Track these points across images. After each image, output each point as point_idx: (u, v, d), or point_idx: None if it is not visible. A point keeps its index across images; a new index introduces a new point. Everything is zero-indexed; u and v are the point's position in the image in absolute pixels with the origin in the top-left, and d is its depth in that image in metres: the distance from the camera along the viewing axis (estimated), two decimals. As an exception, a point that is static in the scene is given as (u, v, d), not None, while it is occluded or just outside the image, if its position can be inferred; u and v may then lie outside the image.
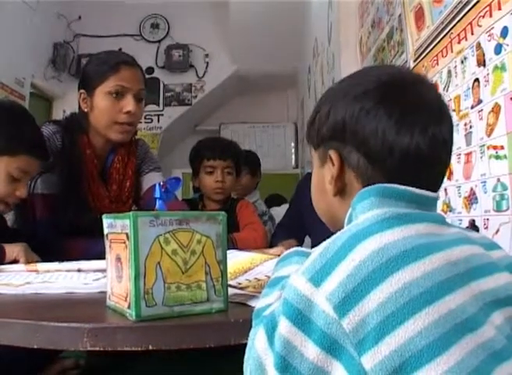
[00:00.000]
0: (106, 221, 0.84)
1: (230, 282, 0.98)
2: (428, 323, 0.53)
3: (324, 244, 0.62)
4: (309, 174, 2.14)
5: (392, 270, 0.55)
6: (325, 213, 0.86)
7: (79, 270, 1.30)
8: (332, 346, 0.55)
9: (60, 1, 6.05)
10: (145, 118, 6.43)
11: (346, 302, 0.54)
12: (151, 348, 0.72)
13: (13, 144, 1.42)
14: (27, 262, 1.35)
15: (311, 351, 0.56)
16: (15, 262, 1.35)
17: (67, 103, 5.66)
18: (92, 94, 1.76)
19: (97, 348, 0.73)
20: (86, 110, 1.78)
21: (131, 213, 0.73)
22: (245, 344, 0.67)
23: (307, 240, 2.25)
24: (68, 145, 1.75)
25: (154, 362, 1.87)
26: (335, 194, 0.78)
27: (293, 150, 7.16)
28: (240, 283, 0.97)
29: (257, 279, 1.01)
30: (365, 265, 0.56)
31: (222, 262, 0.81)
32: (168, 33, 6.61)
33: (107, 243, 0.85)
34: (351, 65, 3.00)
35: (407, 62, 2.06)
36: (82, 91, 1.79)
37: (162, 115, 6.50)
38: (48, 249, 1.56)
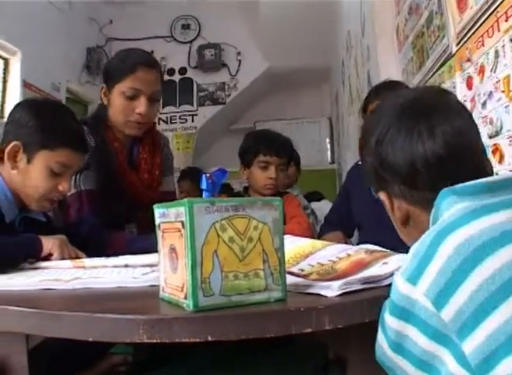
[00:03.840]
0: (158, 211, 0.82)
1: (292, 268, 0.95)
2: None
3: (415, 244, 0.67)
4: (357, 164, 2.09)
5: (480, 259, 0.57)
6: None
7: (126, 266, 1.29)
8: (435, 334, 0.60)
9: (91, 7, 6.14)
10: (179, 118, 6.47)
11: (441, 296, 0.59)
12: (209, 338, 0.70)
13: (51, 138, 1.40)
14: (62, 256, 1.34)
15: (420, 339, 0.62)
16: (50, 255, 1.34)
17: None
18: (111, 91, 1.81)
19: (154, 340, 0.71)
20: (105, 103, 1.85)
21: (186, 200, 0.70)
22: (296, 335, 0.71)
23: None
24: (99, 142, 1.81)
25: (201, 357, 1.85)
26: (402, 224, 0.84)
27: (328, 145, 7.11)
28: (302, 270, 0.93)
29: (321, 263, 0.97)
30: (453, 259, 0.59)
31: (280, 249, 0.77)
32: (199, 33, 6.65)
33: (159, 233, 0.82)
34: (388, 54, 2.95)
35: (448, 46, 2.00)
36: (103, 85, 1.84)
37: (197, 115, 6.53)
38: (92, 245, 1.56)
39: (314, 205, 3.47)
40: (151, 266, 1.27)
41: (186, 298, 0.72)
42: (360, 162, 2.06)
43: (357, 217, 1.99)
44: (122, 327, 0.73)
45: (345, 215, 2.04)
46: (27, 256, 1.27)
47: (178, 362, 1.82)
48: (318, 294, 0.80)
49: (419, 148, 0.77)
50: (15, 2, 4.60)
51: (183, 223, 0.71)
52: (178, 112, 6.50)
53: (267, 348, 1.80)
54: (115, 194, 1.81)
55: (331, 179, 6.45)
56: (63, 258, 1.34)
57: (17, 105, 1.47)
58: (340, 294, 0.79)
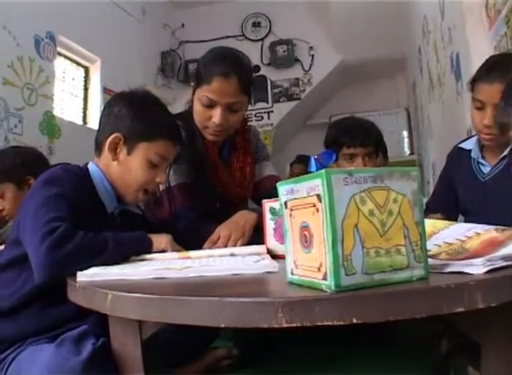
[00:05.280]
0: (284, 188, 0.77)
1: None
2: None
3: None
4: (456, 147, 1.98)
5: None
6: None
7: (232, 255, 1.26)
8: None
9: (163, 12, 6.28)
10: (255, 116, 6.46)
11: None
12: (355, 321, 0.64)
13: (151, 129, 1.40)
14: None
15: None
16: (161, 252, 1.33)
17: (178, 109, 5.77)
18: (194, 93, 1.81)
19: (294, 324, 0.66)
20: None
21: (323, 171, 0.65)
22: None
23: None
24: (190, 135, 1.81)
25: (305, 352, 1.81)
26: None
27: (406, 136, 6.92)
28: (429, 251, 0.87)
29: (448, 243, 0.90)
30: None
31: (420, 223, 0.71)
32: (270, 30, 6.61)
33: (286, 212, 0.77)
34: (478, 32, 2.79)
35: (552, 14, 1.87)
36: (192, 84, 1.84)
37: (272, 111, 6.49)
38: (191, 239, 1.54)
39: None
40: (258, 254, 1.24)
41: (325, 278, 0.67)
42: (461, 145, 1.94)
43: (464, 202, 1.86)
44: (258, 311, 0.69)
45: (449, 199, 1.92)
46: (138, 253, 1.26)
47: (280, 358, 1.79)
48: (460, 273, 0.74)
49: None
50: (93, 14, 4.76)
51: (318, 196, 0.66)
52: (254, 109, 6.46)
53: (365, 348, 1.74)
54: (207, 186, 1.81)
55: (411, 170, 6.26)
56: None
57: (114, 99, 1.47)
58: (487, 272, 0.72)
